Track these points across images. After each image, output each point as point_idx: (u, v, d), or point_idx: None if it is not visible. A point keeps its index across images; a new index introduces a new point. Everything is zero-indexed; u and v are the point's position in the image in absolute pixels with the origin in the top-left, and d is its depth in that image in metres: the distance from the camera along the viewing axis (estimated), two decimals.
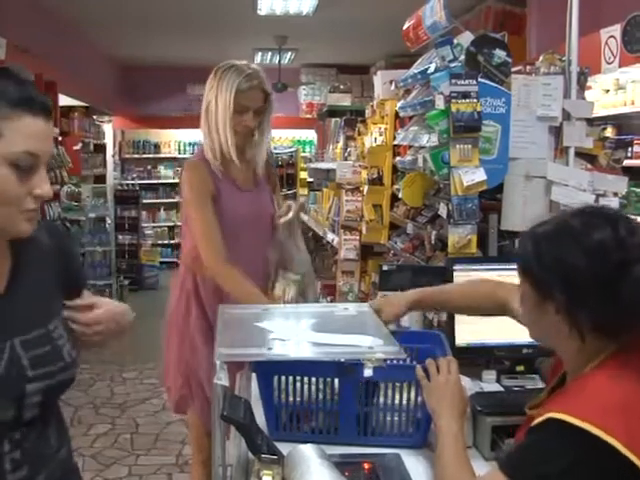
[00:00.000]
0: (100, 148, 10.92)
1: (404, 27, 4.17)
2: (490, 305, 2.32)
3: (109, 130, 11.36)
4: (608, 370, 1.60)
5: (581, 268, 1.58)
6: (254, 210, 3.38)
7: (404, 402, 2.21)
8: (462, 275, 2.74)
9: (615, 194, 3.36)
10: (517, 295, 1.86)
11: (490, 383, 2.75)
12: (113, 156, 11.87)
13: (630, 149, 5.91)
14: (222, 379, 1.87)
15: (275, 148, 11.06)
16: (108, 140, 11.29)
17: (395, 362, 2.26)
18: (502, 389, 2.73)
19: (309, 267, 3.56)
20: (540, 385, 2.65)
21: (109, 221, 10.47)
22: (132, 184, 12.90)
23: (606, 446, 1.46)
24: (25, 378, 1.62)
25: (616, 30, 5.74)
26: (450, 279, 2.79)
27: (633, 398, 1.54)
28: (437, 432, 1.94)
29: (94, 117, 10.39)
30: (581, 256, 1.59)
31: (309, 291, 3.40)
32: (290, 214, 3.48)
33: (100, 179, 10.88)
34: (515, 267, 2.66)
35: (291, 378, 2.20)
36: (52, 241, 1.82)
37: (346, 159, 6.26)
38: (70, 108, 9.19)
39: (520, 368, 2.78)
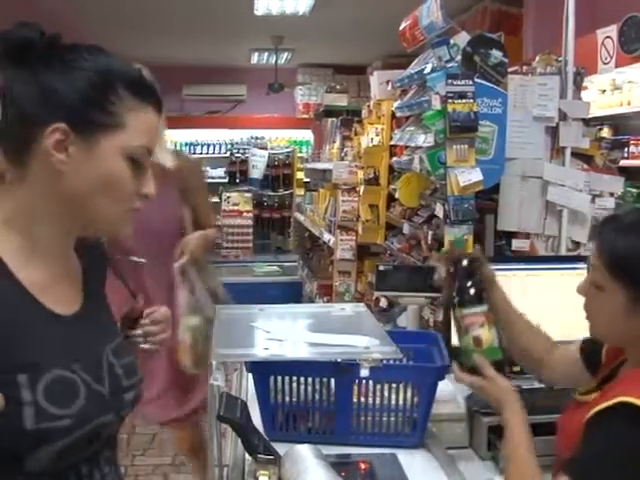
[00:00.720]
0: None
1: (401, 27, 4.17)
2: (538, 347, 2.17)
3: None
4: None
5: None
6: (147, 218, 3.28)
7: (400, 402, 2.21)
8: None
9: (611, 194, 3.36)
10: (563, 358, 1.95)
11: None
12: None
13: (626, 149, 5.92)
14: (218, 379, 1.87)
15: (272, 148, 11.07)
16: None
17: (392, 362, 2.26)
18: None
19: (209, 311, 3.28)
20: (537, 385, 2.64)
21: None
22: None
23: None
24: (122, 388, 1.51)
25: (612, 30, 5.74)
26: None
27: None
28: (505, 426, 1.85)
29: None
30: None
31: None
32: (183, 259, 3.40)
33: None
34: (513, 267, 2.67)
35: (287, 378, 2.20)
36: (96, 244, 1.69)
37: (342, 159, 6.27)
38: None
39: (516, 368, 2.77)
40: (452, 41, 3.35)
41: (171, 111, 13.77)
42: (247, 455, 1.94)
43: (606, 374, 1.83)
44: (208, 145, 14.23)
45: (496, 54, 3.21)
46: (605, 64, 5.86)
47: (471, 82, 3.11)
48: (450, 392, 2.38)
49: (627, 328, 1.66)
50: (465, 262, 2.08)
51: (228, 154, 11.10)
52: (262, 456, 1.85)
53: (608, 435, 1.54)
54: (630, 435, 1.51)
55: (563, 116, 3.28)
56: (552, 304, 2.51)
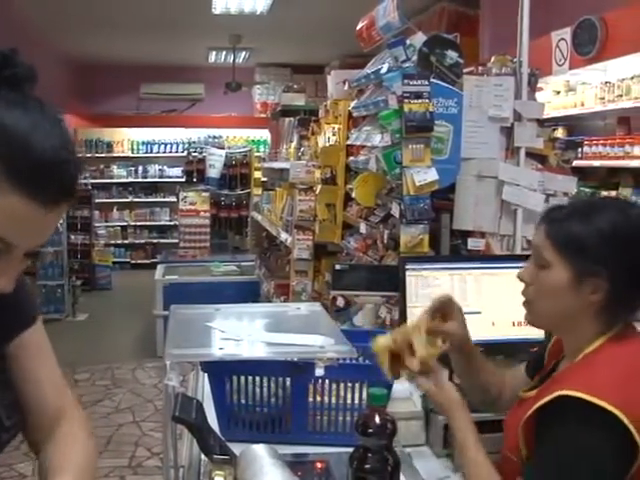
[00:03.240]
0: None
1: (358, 27, 4.18)
2: (490, 383, 2.16)
3: None
4: (614, 346, 1.70)
5: (629, 246, 1.70)
6: None
7: (356, 401, 2.21)
8: (414, 274, 2.75)
9: (565, 194, 3.40)
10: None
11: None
12: None
13: (580, 150, 6.00)
14: (173, 380, 1.85)
15: (229, 148, 11.03)
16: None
17: (348, 361, 2.26)
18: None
19: None
20: None
21: (61, 221, 10.31)
22: (85, 183, 12.75)
23: (614, 419, 1.53)
24: (3, 427, 1.42)
25: (567, 33, 5.82)
26: (403, 278, 2.80)
27: (637, 372, 1.64)
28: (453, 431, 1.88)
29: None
30: (631, 234, 1.70)
31: None
32: None
33: None
34: (468, 266, 2.69)
35: (243, 378, 2.19)
36: None
37: (299, 159, 6.26)
38: None
39: None
40: (408, 41, 3.36)
41: (128, 110, 13.70)
42: (203, 455, 1.93)
43: (546, 371, 1.90)
44: (165, 144, 14.18)
45: (452, 55, 3.23)
46: (559, 66, 5.94)
47: (427, 82, 3.13)
48: (406, 390, 2.39)
49: (567, 306, 1.75)
50: None
51: (185, 153, 11.06)
52: (218, 456, 1.84)
53: (558, 439, 1.59)
54: (576, 433, 1.57)
55: (518, 116, 3.31)
56: (507, 302, 2.53)
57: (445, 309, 2.02)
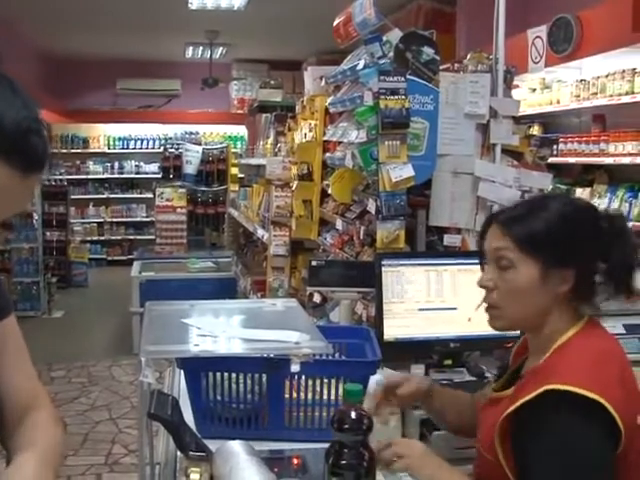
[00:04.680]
0: None
1: (334, 23, 4.18)
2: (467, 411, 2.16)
3: None
4: (584, 338, 1.74)
5: (589, 236, 1.75)
6: None
7: (332, 397, 2.22)
8: (391, 270, 2.75)
9: (540, 190, 3.42)
10: None
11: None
12: None
13: (555, 147, 6.03)
14: (148, 376, 1.85)
15: (206, 144, 11.00)
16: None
17: (324, 357, 2.26)
18: None
19: None
20: (468, 378, 2.68)
21: (36, 217, 10.26)
22: (60, 179, 12.68)
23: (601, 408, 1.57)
24: None
25: (542, 31, 5.85)
26: (379, 274, 2.80)
27: (609, 363, 1.69)
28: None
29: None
30: (589, 225, 1.76)
31: None
32: None
33: None
34: (444, 262, 2.71)
35: (219, 375, 2.18)
36: None
37: (276, 155, 6.25)
38: None
39: (448, 362, 2.80)
40: (385, 38, 3.36)
41: (104, 105, 13.62)
42: (179, 452, 1.93)
43: (512, 370, 1.93)
44: (142, 140, 14.12)
45: (428, 51, 3.23)
46: (535, 63, 5.96)
47: (403, 79, 3.13)
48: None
49: (535, 302, 1.78)
50: None
51: (162, 149, 11.00)
52: (194, 453, 1.84)
53: (552, 433, 1.61)
54: (571, 425, 1.60)
55: (494, 113, 3.32)
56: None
57: (392, 386, 2.07)
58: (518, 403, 1.65)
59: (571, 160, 6.30)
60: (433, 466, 1.79)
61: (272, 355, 2.13)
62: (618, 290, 1.76)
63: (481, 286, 1.86)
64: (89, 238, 13.78)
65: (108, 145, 14.13)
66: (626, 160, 5.64)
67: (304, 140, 5.07)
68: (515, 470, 1.69)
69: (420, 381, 2.17)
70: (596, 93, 5.96)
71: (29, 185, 1.31)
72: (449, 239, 3.30)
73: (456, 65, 3.50)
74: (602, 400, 1.56)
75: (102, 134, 14.10)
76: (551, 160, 3.76)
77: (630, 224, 5.45)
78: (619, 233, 1.77)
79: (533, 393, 1.62)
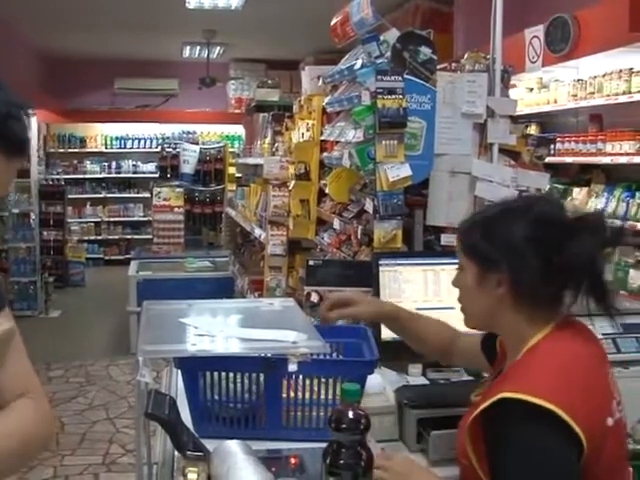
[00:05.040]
0: None
1: (332, 23, 4.18)
2: (442, 341, 2.36)
3: (33, 123, 11.11)
4: (548, 344, 1.71)
5: (523, 238, 1.72)
6: None
7: (330, 397, 2.21)
8: (388, 270, 2.76)
9: (538, 190, 3.42)
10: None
11: (416, 377, 2.77)
12: (38, 150, 11.63)
13: (552, 146, 6.03)
14: (145, 376, 1.85)
15: (203, 143, 11.00)
16: (32, 134, 11.04)
17: (321, 357, 2.26)
18: (428, 382, 2.75)
19: None
20: (465, 377, 2.68)
21: (33, 217, 10.25)
22: (57, 179, 12.68)
23: (554, 416, 1.55)
24: None
25: (539, 30, 5.86)
26: (376, 273, 2.81)
27: (572, 368, 1.65)
28: None
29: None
30: (523, 226, 1.73)
31: None
32: None
33: (24, 174, 10.64)
34: (441, 261, 2.71)
35: (216, 374, 2.18)
36: None
37: (273, 154, 6.25)
38: None
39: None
40: (382, 37, 3.37)
41: (102, 105, 13.60)
42: (176, 452, 1.92)
43: (495, 374, 1.93)
44: (139, 139, 14.11)
45: (425, 51, 3.23)
46: (532, 63, 5.98)
47: (400, 78, 3.13)
48: (379, 385, 2.39)
49: (484, 303, 1.82)
50: None
51: (159, 149, 10.99)
52: (191, 453, 1.84)
53: (506, 442, 1.60)
54: (522, 434, 1.59)
55: (491, 113, 3.32)
56: None
57: (342, 302, 2.34)
58: (478, 410, 1.66)
59: (568, 160, 6.30)
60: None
61: (269, 355, 2.12)
62: (593, 296, 1.74)
63: (452, 284, 1.96)
64: (86, 238, 13.77)
65: (105, 145, 14.12)
66: (623, 160, 5.65)
67: (301, 140, 5.08)
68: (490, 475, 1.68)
69: (374, 308, 2.41)
70: (593, 93, 5.96)
71: (10, 170, 1.39)
72: (446, 239, 3.30)
73: (453, 65, 3.51)
74: (555, 408, 1.54)
75: (99, 133, 14.10)
76: (548, 160, 3.77)
77: (627, 224, 5.46)
78: (581, 232, 1.71)
79: (489, 401, 1.63)
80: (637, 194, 5.62)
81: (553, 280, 1.71)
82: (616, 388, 1.76)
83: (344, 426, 1.65)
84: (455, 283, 1.94)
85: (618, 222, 5.49)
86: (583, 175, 6.58)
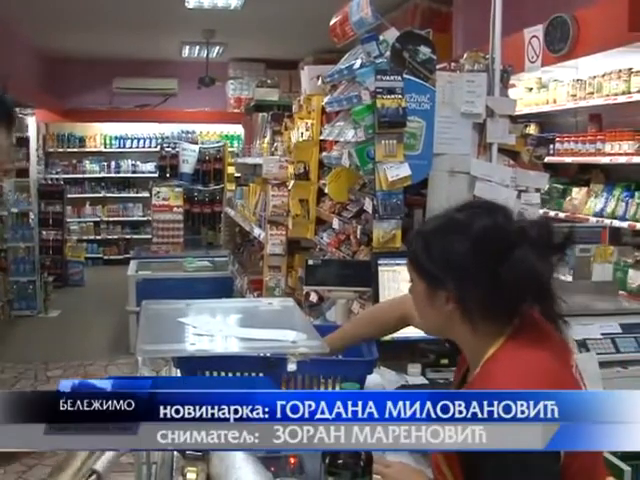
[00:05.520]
0: (23, 141, 10.68)
1: (331, 23, 4.18)
2: (394, 323, 2.38)
3: (32, 123, 11.11)
4: (507, 352, 1.67)
5: (466, 255, 1.68)
6: None
7: None
8: (387, 269, 2.76)
9: (537, 190, 3.42)
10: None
11: (415, 376, 2.78)
12: (37, 150, 11.62)
13: (552, 146, 6.03)
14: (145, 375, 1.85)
15: (203, 143, 10.99)
16: (31, 133, 11.04)
17: (322, 357, 2.26)
18: (427, 382, 2.75)
19: None
20: None
21: (32, 216, 10.25)
22: (57, 178, 12.67)
23: None
24: None
25: (539, 30, 5.85)
26: (375, 273, 2.81)
27: (534, 372, 1.60)
28: None
29: (16, 109, 10.13)
30: (465, 244, 1.68)
31: None
32: None
33: (23, 173, 10.65)
34: None
35: (215, 374, 2.18)
36: None
37: (273, 154, 6.25)
38: None
39: (444, 361, 2.80)
40: (381, 37, 3.37)
41: (101, 104, 13.59)
42: (175, 452, 1.92)
43: (457, 380, 1.92)
44: (138, 139, 14.10)
45: (424, 50, 3.23)
46: (532, 63, 5.97)
47: (400, 78, 3.13)
48: (378, 385, 2.39)
49: (435, 317, 1.79)
50: None
51: (158, 148, 10.98)
52: (190, 453, 1.84)
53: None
54: None
55: (490, 113, 3.32)
56: None
57: None
58: None
59: (567, 160, 6.30)
60: None
61: (269, 354, 2.12)
62: (539, 304, 1.72)
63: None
64: (85, 237, 13.76)
65: (105, 144, 14.11)
66: (622, 159, 5.64)
67: (301, 139, 5.07)
68: None
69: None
70: (592, 93, 5.96)
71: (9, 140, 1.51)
72: None
73: (453, 64, 3.51)
74: None
75: (99, 133, 14.08)
76: (547, 160, 3.77)
77: (626, 224, 5.46)
78: (523, 242, 1.67)
79: None
80: (636, 194, 5.62)
81: (500, 293, 1.67)
82: (583, 384, 1.75)
83: None
84: (410, 292, 1.89)
85: (616, 222, 5.51)
86: (582, 175, 6.57)
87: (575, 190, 6.37)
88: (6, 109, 1.58)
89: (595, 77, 5.93)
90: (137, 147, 14.17)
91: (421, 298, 1.80)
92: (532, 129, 6.64)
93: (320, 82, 4.75)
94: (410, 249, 1.82)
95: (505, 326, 1.71)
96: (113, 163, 14.15)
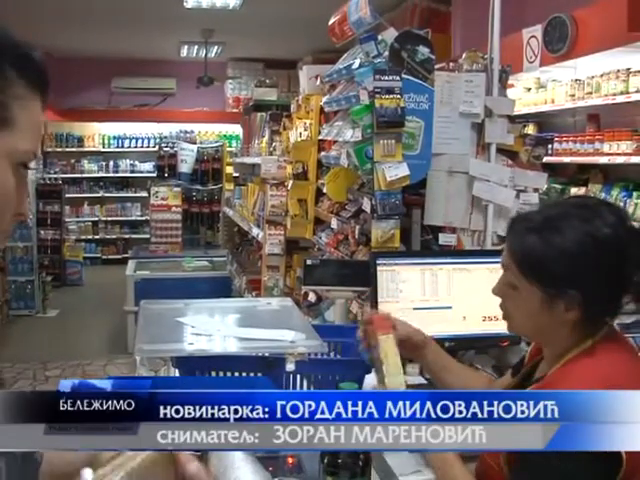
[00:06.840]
0: None
1: (330, 22, 4.18)
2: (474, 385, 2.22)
3: None
4: (594, 354, 1.66)
5: (596, 258, 1.63)
6: None
7: None
8: (386, 269, 2.75)
9: (535, 190, 3.42)
10: None
11: (413, 376, 2.78)
12: None
13: (550, 146, 6.04)
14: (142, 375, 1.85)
15: (201, 142, 10.98)
16: None
17: (319, 356, 2.26)
18: (425, 382, 2.75)
19: None
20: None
21: (31, 216, 10.24)
22: (55, 178, 12.66)
23: None
24: None
25: (537, 30, 5.86)
26: (374, 273, 2.80)
27: (615, 379, 1.58)
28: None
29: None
30: (596, 252, 1.63)
31: None
32: None
33: None
34: (439, 261, 2.70)
35: (214, 373, 2.18)
36: None
37: (271, 154, 6.25)
38: None
39: None
40: (380, 37, 3.37)
41: (99, 104, 13.59)
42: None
43: (525, 372, 1.89)
44: (137, 139, 14.09)
45: (423, 50, 3.24)
46: (530, 63, 5.97)
47: (398, 78, 3.13)
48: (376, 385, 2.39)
49: (544, 323, 1.72)
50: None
51: (157, 148, 10.97)
52: (189, 452, 1.83)
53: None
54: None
55: (489, 113, 3.32)
56: (478, 298, 2.55)
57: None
58: None
59: (566, 159, 6.30)
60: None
61: (267, 354, 2.12)
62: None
63: (493, 293, 1.83)
64: (84, 237, 13.74)
65: (103, 144, 14.10)
66: (621, 159, 5.65)
67: (299, 139, 5.08)
68: None
69: (413, 333, 2.13)
70: (591, 93, 5.96)
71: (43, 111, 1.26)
72: (444, 238, 3.30)
73: (451, 64, 3.51)
74: None
75: (97, 133, 14.07)
76: (546, 159, 3.77)
77: None
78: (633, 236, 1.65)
79: None
80: (634, 194, 5.62)
81: (620, 293, 1.67)
82: None
83: None
84: (499, 294, 1.81)
85: None
86: (581, 175, 6.58)
87: (573, 190, 6.38)
88: (37, 69, 1.20)
89: (593, 77, 5.94)
90: (135, 147, 14.16)
91: (530, 306, 1.72)
92: (531, 129, 6.64)
93: (319, 82, 4.76)
94: (524, 254, 1.71)
95: (598, 327, 1.70)
96: (111, 163, 14.14)
